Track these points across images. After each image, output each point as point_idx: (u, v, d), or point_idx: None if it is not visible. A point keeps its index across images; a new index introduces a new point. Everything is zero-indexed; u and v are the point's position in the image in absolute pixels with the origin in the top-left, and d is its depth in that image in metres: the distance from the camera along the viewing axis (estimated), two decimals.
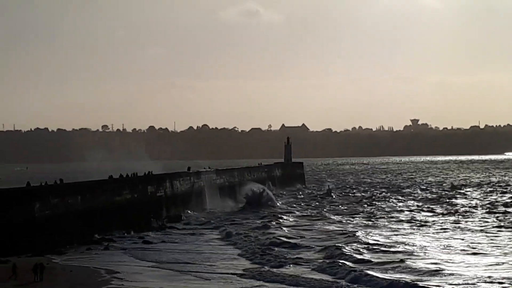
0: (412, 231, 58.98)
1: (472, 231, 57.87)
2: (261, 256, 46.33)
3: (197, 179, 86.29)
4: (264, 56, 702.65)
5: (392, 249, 47.60)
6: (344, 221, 67.93)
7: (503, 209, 76.97)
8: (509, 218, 67.19)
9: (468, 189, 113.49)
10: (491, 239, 52.45)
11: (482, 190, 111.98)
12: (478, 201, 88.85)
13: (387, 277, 37.45)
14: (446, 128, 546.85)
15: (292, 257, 45.56)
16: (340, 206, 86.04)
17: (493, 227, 60.72)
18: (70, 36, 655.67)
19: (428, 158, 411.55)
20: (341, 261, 42.58)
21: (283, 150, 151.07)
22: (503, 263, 41.55)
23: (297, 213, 78.86)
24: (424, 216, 71.80)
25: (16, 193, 51.17)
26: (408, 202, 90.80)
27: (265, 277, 38.85)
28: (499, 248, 47.69)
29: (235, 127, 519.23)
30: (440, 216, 71.66)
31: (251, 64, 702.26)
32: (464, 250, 47.23)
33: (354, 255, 45.06)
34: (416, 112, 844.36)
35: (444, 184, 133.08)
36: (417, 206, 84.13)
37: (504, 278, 36.53)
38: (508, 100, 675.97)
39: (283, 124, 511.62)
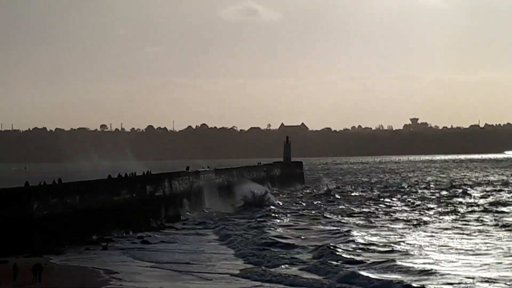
0: (409, 230, 58.83)
1: (469, 231, 57.62)
2: (257, 256, 46.17)
3: (196, 179, 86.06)
4: (263, 55, 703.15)
5: (386, 249, 47.47)
6: (341, 221, 67.75)
7: (500, 208, 76.62)
8: (505, 218, 66.89)
9: (466, 188, 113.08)
10: (488, 239, 52.23)
11: (480, 189, 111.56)
12: (476, 200, 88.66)
13: (379, 277, 37.21)
14: (446, 127, 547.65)
15: (287, 257, 45.41)
16: (338, 206, 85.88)
17: (490, 226, 60.53)
18: (69, 35, 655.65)
19: (428, 157, 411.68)
20: (333, 261, 42.46)
21: (282, 150, 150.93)
22: (499, 263, 41.30)
23: (295, 212, 78.73)
24: (422, 215, 71.56)
25: (14, 193, 50.97)
26: (406, 201, 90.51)
27: (262, 278, 38.69)
28: (495, 248, 47.41)
29: (234, 126, 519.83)
30: (438, 215, 71.45)
31: (251, 63, 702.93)
32: (460, 250, 47.03)
33: (347, 255, 44.87)
34: (416, 111, 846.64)
35: (442, 183, 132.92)
36: (415, 205, 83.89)
37: (499, 277, 36.41)
38: (508, 99, 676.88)
39: (282, 123, 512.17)
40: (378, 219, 69.18)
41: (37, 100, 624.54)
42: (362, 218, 70.50)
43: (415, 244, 50.00)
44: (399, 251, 46.72)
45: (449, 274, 37.55)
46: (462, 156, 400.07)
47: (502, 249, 46.90)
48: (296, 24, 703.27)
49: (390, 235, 56.01)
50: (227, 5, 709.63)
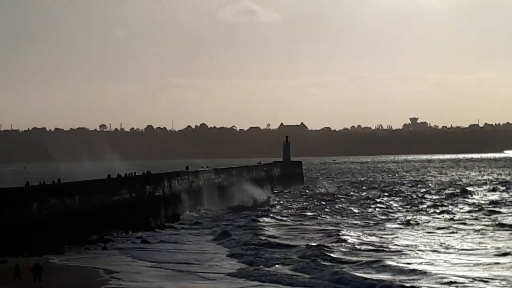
0: (403, 230, 58.69)
1: (464, 231, 57.44)
2: (253, 256, 46.14)
3: (195, 179, 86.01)
4: (262, 55, 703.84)
5: (379, 249, 47.45)
6: (335, 221, 67.70)
7: (496, 208, 76.40)
8: (500, 217, 66.81)
9: (463, 188, 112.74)
10: (483, 239, 52.14)
11: (477, 188, 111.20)
12: (472, 200, 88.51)
13: (369, 276, 37.11)
14: (445, 126, 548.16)
15: (280, 256, 45.36)
16: (334, 206, 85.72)
17: (485, 226, 60.35)
18: (68, 35, 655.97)
19: (428, 156, 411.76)
20: (323, 261, 42.47)
21: (282, 149, 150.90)
22: (494, 263, 41.18)
23: (292, 212, 78.80)
24: (417, 215, 71.39)
25: (14, 193, 50.92)
26: (403, 201, 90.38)
27: (260, 278, 38.65)
28: (489, 248, 47.28)
29: (234, 126, 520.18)
30: (433, 215, 71.28)
31: (250, 63, 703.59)
32: (454, 249, 46.93)
33: (339, 255, 44.85)
34: (415, 111, 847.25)
35: (439, 183, 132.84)
36: (411, 205, 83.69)
37: (490, 277, 36.38)
38: (508, 99, 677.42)
39: (281, 123, 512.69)
40: (373, 219, 69.06)
41: (37, 100, 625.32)
42: (357, 218, 70.46)
43: (408, 244, 49.88)
44: (391, 251, 46.69)
45: (440, 274, 37.37)
46: (462, 156, 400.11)
47: (497, 248, 46.71)
48: (295, 25, 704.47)
49: (384, 234, 55.93)
50: (225, 5, 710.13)
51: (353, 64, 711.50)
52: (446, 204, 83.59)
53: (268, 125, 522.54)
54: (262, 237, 55.78)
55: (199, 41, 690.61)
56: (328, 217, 72.29)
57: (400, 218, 68.52)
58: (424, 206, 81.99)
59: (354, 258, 43.65)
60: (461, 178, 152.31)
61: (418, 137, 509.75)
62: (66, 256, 47.83)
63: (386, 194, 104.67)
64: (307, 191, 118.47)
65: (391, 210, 77.76)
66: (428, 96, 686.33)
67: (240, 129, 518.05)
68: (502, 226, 59.75)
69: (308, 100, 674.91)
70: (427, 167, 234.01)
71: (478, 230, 57.32)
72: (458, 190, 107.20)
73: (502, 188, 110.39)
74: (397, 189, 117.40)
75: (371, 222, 66.18)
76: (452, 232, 56.57)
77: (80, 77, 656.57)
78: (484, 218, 67.15)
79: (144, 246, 53.65)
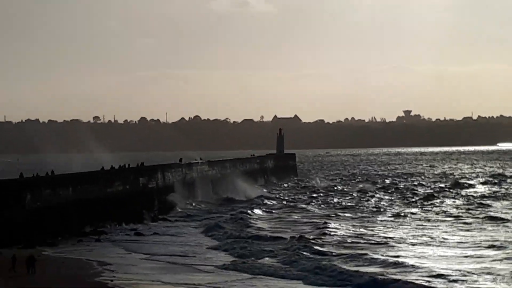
0: (391, 223, 58.83)
1: (454, 223, 57.63)
2: (244, 249, 46.15)
3: (189, 171, 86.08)
4: (256, 46, 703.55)
5: (368, 242, 47.58)
6: (326, 214, 67.83)
7: (486, 201, 76.51)
8: (489, 210, 67.05)
9: (455, 181, 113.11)
10: (472, 232, 52.33)
11: (469, 182, 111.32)
12: (463, 193, 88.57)
13: (356, 269, 37.18)
14: (439, 119, 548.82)
15: (269, 249, 45.42)
16: (327, 198, 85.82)
17: (474, 219, 60.42)
18: (61, 26, 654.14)
19: (421, 149, 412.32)
20: (307, 253, 42.63)
21: (275, 142, 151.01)
22: (484, 255, 41.28)
23: (283, 205, 79.00)
24: (407, 207, 71.62)
25: (7, 185, 50.90)
26: (393, 194, 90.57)
27: (251, 270, 38.86)
28: (478, 240, 47.37)
29: (227, 118, 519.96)
30: (423, 207, 71.43)
31: (243, 54, 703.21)
32: (440, 242, 47.06)
33: (325, 248, 44.90)
34: (409, 103, 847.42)
35: (432, 176, 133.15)
36: (402, 198, 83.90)
37: (475, 269, 36.65)
38: (501, 91, 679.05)
39: (275, 115, 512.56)
40: (364, 211, 69.28)
41: (30, 92, 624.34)
42: (348, 210, 70.56)
43: (397, 236, 50.02)
44: (380, 243, 46.84)
45: (429, 266, 37.45)
46: (455, 148, 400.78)
47: (486, 241, 46.83)
48: (288, 16, 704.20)
49: (373, 227, 56.13)
50: None
51: (346, 56, 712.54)
52: (436, 196, 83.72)
53: (262, 117, 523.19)
54: (253, 230, 55.96)
55: (192, 32, 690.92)
56: (317, 209, 72.51)
57: (390, 211, 68.66)
58: (415, 199, 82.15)
59: (342, 251, 43.70)
60: (453, 171, 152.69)
61: (412, 129, 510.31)
62: (59, 248, 47.91)
63: (377, 186, 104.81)
64: (301, 183, 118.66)
65: (382, 203, 77.91)
66: (421, 88, 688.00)
67: (234, 121, 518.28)
68: (491, 219, 59.87)
69: (302, 92, 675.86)
70: (420, 160, 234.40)
71: (468, 223, 57.52)
72: (449, 183, 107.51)
73: (493, 181, 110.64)
74: (388, 181, 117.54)
75: (361, 214, 66.38)
76: (442, 225, 56.73)
77: (73, 69, 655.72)
78: (474, 211, 67.24)
79: (138, 238, 53.78)
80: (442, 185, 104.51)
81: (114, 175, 66.30)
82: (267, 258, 42.38)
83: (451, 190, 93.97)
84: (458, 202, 77.08)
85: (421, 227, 55.99)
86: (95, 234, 54.26)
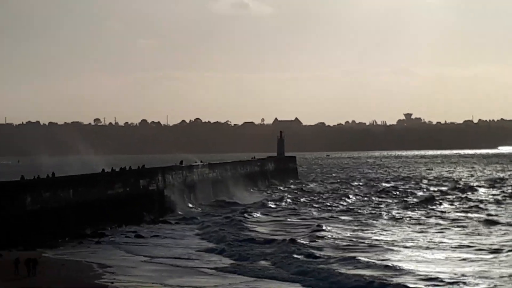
0: (389, 226, 58.75)
1: (450, 227, 57.54)
2: (242, 251, 46.19)
3: (190, 173, 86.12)
4: (257, 49, 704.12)
5: (363, 245, 47.57)
6: (322, 216, 67.91)
7: (483, 205, 76.33)
8: (483, 214, 66.74)
9: (454, 184, 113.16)
10: (466, 235, 52.28)
11: (468, 185, 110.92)
12: (461, 196, 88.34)
13: (350, 273, 37.17)
14: (440, 122, 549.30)
15: (266, 252, 45.45)
16: (325, 202, 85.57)
17: (472, 222, 60.33)
18: (62, 28, 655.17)
19: (422, 152, 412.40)
20: (298, 256, 42.70)
21: (276, 144, 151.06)
22: (479, 259, 41.30)
23: (281, 208, 79.02)
24: (403, 211, 71.33)
25: (7, 186, 50.96)
26: (391, 197, 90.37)
27: (250, 272, 38.98)
28: (474, 244, 47.28)
29: (228, 120, 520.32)
30: (420, 211, 71.11)
31: (244, 57, 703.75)
32: (437, 245, 47.02)
33: (319, 251, 44.89)
34: (410, 106, 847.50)
35: (431, 179, 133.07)
36: (399, 201, 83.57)
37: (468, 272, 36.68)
38: (502, 94, 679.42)
39: (276, 118, 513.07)
40: (360, 214, 69.11)
41: (31, 94, 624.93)
42: (344, 213, 70.50)
43: (391, 239, 49.99)
44: (373, 246, 46.86)
45: (422, 270, 37.36)
46: (455, 151, 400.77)
47: (482, 244, 46.84)
48: (288, 18, 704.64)
49: (369, 230, 56.02)
50: None
51: (347, 58, 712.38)
52: (433, 199, 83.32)
53: (263, 120, 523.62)
54: (251, 233, 56.02)
55: (193, 34, 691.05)
56: (315, 212, 72.45)
57: (387, 214, 68.45)
58: (412, 202, 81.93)
59: (336, 254, 43.68)
60: (452, 174, 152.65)
61: (413, 133, 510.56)
62: (60, 250, 47.99)
63: (375, 190, 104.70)
64: (300, 186, 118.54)
65: (379, 206, 77.80)
66: (422, 91, 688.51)
67: (235, 124, 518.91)
68: (488, 222, 59.73)
69: (302, 95, 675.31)
70: (420, 163, 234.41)
71: (465, 226, 57.48)
72: (447, 187, 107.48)
73: (491, 185, 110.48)
74: (386, 185, 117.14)
75: (359, 217, 66.29)
76: (438, 228, 56.70)
77: (74, 71, 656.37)
78: (471, 214, 67.22)
79: (138, 240, 53.81)
80: (440, 188, 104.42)
81: (114, 177, 66.35)
82: (263, 262, 42.30)
83: (449, 193, 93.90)
84: (455, 205, 77.05)
85: (417, 230, 55.86)
86: (95, 236, 54.34)
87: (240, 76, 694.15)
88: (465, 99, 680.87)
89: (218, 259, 44.38)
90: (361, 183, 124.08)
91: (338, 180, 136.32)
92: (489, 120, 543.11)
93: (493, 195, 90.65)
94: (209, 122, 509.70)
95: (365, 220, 64.41)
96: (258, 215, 71.09)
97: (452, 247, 46.15)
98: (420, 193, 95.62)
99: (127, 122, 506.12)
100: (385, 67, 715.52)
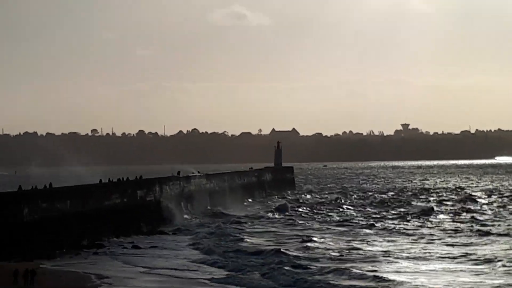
0: (377, 237, 58.91)
1: (441, 238, 57.57)
2: (236, 263, 46.29)
3: (187, 184, 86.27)
4: (253, 59, 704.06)
5: (351, 255, 47.78)
6: (316, 228, 68.11)
7: (476, 215, 76.35)
8: (479, 225, 66.69)
9: (447, 195, 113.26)
10: (461, 247, 52.23)
11: (462, 195, 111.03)
12: (453, 207, 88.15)
13: (332, 282, 37.36)
14: (437, 132, 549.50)
15: (258, 263, 45.51)
16: (319, 212, 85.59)
17: (463, 233, 60.42)
18: (59, 38, 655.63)
19: (419, 162, 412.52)
20: (288, 267, 42.76)
21: (273, 155, 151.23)
22: (470, 270, 41.49)
23: (277, 218, 79.19)
24: (397, 222, 71.30)
25: (5, 197, 51.09)
26: (385, 208, 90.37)
27: (240, 283, 39.22)
28: (465, 255, 47.45)
29: (225, 131, 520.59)
30: (413, 222, 71.04)
31: (242, 67, 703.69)
32: (428, 256, 47.10)
33: (308, 262, 45.09)
34: (407, 117, 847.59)
35: (426, 189, 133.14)
36: (393, 212, 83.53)
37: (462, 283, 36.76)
38: (499, 105, 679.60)
39: (273, 128, 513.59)
40: (353, 225, 69.14)
41: (28, 105, 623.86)
42: (338, 224, 70.64)
43: (383, 250, 50.10)
44: (364, 257, 46.95)
45: (412, 281, 37.40)
46: (452, 162, 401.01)
47: (473, 255, 46.99)
48: (285, 29, 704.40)
49: (359, 241, 56.14)
50: (214, 8, 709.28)
51: (344, 69, 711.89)
52: (428, 210, 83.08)
53: (260, 130, 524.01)
54: (246, 244, 56.23)
55: (190, 44, 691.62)
56: (308, 223, 72.62)
57: (380, 225, 68.47)
58: (406, 212, 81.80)
59: (329, 265, 43.71)
60: (448, 184, 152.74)
61: (410, 143, 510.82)
62: (57, 261, 48.07)
63: (370, 200, 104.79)
64: (297, 197, 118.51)
65: (373, 217, 77.77)
66: (419, 102, 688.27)
67: (232, 134, 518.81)
68: (483, 233, 59.84)
69: (299, 105, 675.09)
70: (416, 173, 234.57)
71: (459, 237, 57.64)
72: (442, 197, 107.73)
73: (487, 195, 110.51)
74: (381, 196, 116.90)
75: (351, 228, 66.38)
76: (431, 239, 56.75)
77: (71, 81, 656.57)
78: (465, 224, 67.36)
79: (136, 251, 53.93)
80: (435, 199, 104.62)
81: (111, 188, 66.50)
82: (256, 273, 42.26)
83: (444, 204, 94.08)
84: (450, 216, 77.13)
85: (411, 241, 55.95)
86: (93, 247, 54.46)
87: (237, 86, 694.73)
88: (462, 109, 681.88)
89: (213, 270, 44.46)
90: (356, 194, 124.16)
91: (334, 191, 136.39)
92: (486, 131, 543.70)
93: (488, 204, 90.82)
94: (206, 132, 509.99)
95: (358, 230, 64.60)
96: (253, 226, 71.25)
97: (446, 258, 46.29)
98: (415, 204, 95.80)
99: (124, 133, 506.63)
100: (383, 78, 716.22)
